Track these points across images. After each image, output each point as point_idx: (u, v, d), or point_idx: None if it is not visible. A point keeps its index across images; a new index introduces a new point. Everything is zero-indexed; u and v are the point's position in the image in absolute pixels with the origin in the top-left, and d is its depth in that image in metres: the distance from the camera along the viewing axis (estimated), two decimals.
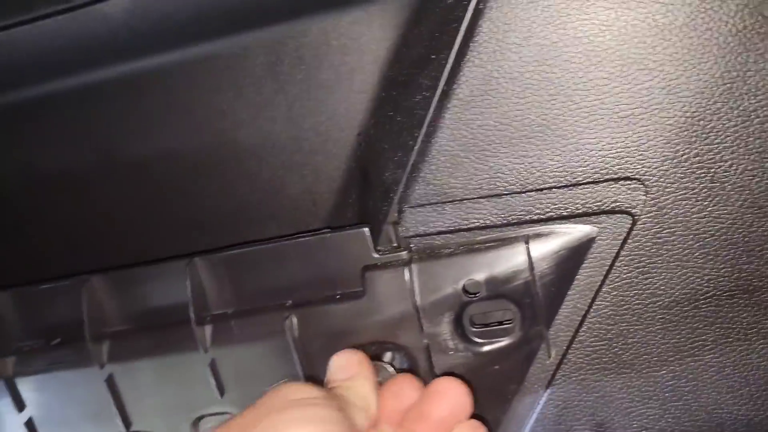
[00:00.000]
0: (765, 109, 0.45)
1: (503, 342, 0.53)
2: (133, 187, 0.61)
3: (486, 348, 0.53)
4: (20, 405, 0.62)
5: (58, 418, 0.62)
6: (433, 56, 0.50)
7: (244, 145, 0.59)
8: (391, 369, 0.55)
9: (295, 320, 0.55)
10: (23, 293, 0.61)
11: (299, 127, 0.58)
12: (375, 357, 0.56)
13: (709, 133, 0.46)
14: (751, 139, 0.46)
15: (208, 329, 0.56)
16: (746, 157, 0.46)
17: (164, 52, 0.57)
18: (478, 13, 0.48)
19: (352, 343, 0.54)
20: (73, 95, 0.59)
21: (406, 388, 0.51)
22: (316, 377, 0.55)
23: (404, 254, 0.53)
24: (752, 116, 0.45)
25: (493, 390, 0.54)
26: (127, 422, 0.60)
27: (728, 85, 0.45)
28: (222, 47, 0.57)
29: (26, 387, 0.62)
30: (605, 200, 0.49)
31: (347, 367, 0.50)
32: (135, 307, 0.59)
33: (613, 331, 0.51)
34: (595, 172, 0.49)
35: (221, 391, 0.57)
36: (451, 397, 0.49)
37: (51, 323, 0.61)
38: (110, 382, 0.59)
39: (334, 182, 0.58)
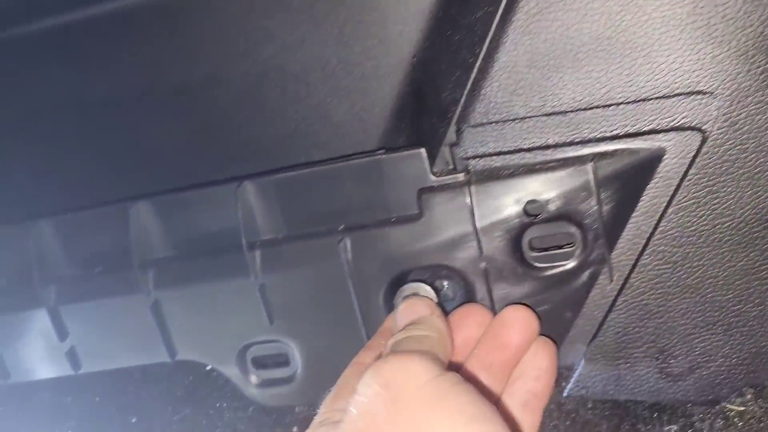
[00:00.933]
0: None
1: (563, 266, 0.52)
2: (179, 113, 0.59)
3: (545, 273, 0.52)
4: (62, 334, 0.61)
5: (101, 347, 0.61)
6: None
7: (292, 69, 0.57)
8: (430, 290, 0.54)
9: (349, 243, 0.53)
10: (67, 220, 0.60)
11: (350, 50, 0.56)
12: (429, 284, 0.55)
13: None
14: None
15: (258, 254, 0.55)
16: None
17: None
18: None
19: (408, 268, 0.53)
20: (117, 19, 0.58)
21: (473, 317, 0.50)
22: (369, 302, 0.54)
23: (462, 176, 0.52)
24: None
25: (551, 316, 0.53)
26: (172, 351, 0.59)
27: None
28: None
29: (69, 316, 0.61)
30: (675, 116, 0.48)
31: (418, 311, 0.49)
32: (182, 233, 0.58)
33: (678, 254, 0.50)
34: (665, 87, 0.47)
35: (271, 318, 0.56)
36: (524, 325, 0.49)
37: (96, 251, 0.60)
38: (156, 310, 0.58)
39: (386, 107, 0.57)
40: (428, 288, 0.53)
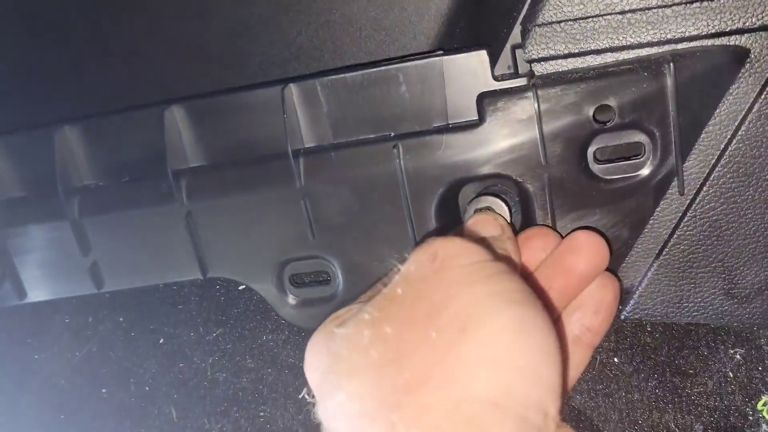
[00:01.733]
0: None
1: (632, 179, 0.49)
2: (218, 13, 0.55)
3: (611, 185, 0.49)
4: (85, 248, 0.57)
5: (126, 262, 0.57)
6: None
7: None
8: (505, 208, 0.51)
9: (402, 149, 0.50)
10: (93, 125, 0.56)
11: None
12: (483, 194, 0.52)
13: None
14: None
15: (302, 162, 0.52)
16: None
17: None
18: None
19: (465, 176, 0.50)
20: None
21: (540, 239, 0.47)
22: (421, 212, 0.51)
23: (526, 80, 0.49)
24: None
25: (615, 230, 0.50)
26: (203, 267, 0.55)
27: None
28: None
29: (92, 229, 0.57)
30: (762, 14, 0.45)
31: (489, 228, 0.46)
32: (220, 140, 0.54)
33: (755, 165, 0.47)
34: None
35: (313, 231, 0.53)
36: (594, 252, 0.46)
37: (124, 158, 0.56)
38: (189, 221, 0.54)
39: (440, 9, 0.53)
40: (504, 205, 0.49)
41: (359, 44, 0.55)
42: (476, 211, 0.49)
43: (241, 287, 0.62)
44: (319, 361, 0.38)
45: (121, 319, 0.62)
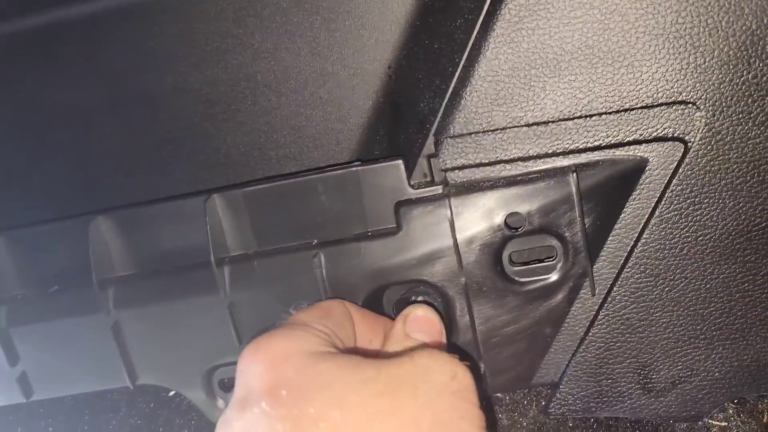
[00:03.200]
0: None
1: (545, 280, 0.51)
2: (145, 123, 0.56)
3: (526, 287, 0.51)
4: (13, 358, 0.56)
5: (56, 371, 0.57)
6: None
7: (265, 79, 0.55)
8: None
9: (323, 258, 0.51)
10: (20, 236, 0.56)
11: (324, 59, 0.54)
12: (405, 301, 0.53)
13: None
14: None
15: (227, 271, 0.53)
16: None
17: None
18: None
19: (385, 283, 0.51)
20: (79, 25, 0.55)
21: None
22: None
23: (440, 188, 0.51)
24: None
25: (532, 331, 0.51)
26: (132, 375, 0.55)
27: None
28: None
29: (21, 339, 0.56)
30: (657, 126, 0.47)
31: (430, 331, 0.47)
32: (146, 250, 0.55)
33: (661, 267, 0.49)
34: (648, 97, 0.47)
35: (240, 338, 0.53)
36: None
37: (52, 269, 0.56)
38: (116, 331, 0.54)
39: (361, 118, 0.55)
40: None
41: (284, 151, 0.57)
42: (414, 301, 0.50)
43: (171, 393, 0.62)
44: None
45: (51, 429, 0.61)
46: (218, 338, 0.54)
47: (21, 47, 0.55)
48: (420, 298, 0.53)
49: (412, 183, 0.51)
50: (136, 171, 0.57)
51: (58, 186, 0.57)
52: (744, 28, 0.45)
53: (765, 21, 0.44)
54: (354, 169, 0.51)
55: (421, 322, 0.47)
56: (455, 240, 0.50)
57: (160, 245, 0.55)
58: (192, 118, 0.57)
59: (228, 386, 0.56)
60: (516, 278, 0.51)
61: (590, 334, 0.51)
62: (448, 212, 0.50)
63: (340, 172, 0.52)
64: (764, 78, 0.45)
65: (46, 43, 0.55)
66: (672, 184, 0.48)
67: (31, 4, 0.55)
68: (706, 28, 0.45)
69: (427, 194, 0.51)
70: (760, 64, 0.45)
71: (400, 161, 0.51)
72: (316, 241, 0.52)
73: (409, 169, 0.51)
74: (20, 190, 0.58)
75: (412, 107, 0.52)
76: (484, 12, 0.48)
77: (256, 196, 0.53)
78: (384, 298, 0.54)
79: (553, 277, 0.50)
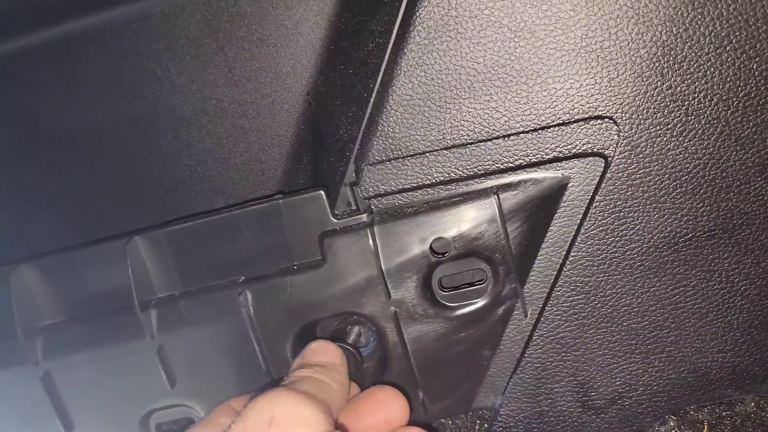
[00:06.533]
0: (738, 32, 0.43)
1: (476, 304, 0.50)
2: (60, 162, 0.55)
3: (458, 312, 0.50)
4: None
5: None
6: None
7: (183, 112, 0.54)
8: (361, 341, 0.51)
9: (249, 296, 0.50)
10: None
11: (242, 89, 0.53)
12: (339, 332, 0.52)
13: (681, 62, 0.44)
14: (725, 66, 0.44)
15: (153, 314, 0.51)
16: (721, 85, 0.44)
17: (90, 12, 0.52)
18: None
19: (315, 317, 0.50)
20: None
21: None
22: (276, 356, 0.51)
23: (364, 216, 0.49)
24: (725, 42, 0.43)
25: (467, 356, 0.50)
26: (68, 424, 0.54)
27: (699, 10, 0.43)
28: (153, 5, 0.52)
29: None
30: (576, 143, 0.46)
31: (325, 353, 0.46)
32: (70, 296, 0.53)
33: (591, 283, 0.48)
34: (564, 113, 0.46)
35: (172, 381, 0.52)
36: (389, 407, 0.46)
37: None
38: (47, 381, 0.53)
39: (284, 147, 0.54)
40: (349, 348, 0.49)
41: (209, 184, 0.55)
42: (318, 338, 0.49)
43: None
44: None
45: None
46: (150, 382, 0.52)
47: None
48: (355, 329, 0.52)
49: (335, 212, 0.50)
50: (57, 213, 0.56)
51: None
52: (654, 39, 0.44)
53: (674, 31, 0.43)
54: (275, 202, 0.50)
55: (316, 350, 0.46)
56: (381, 269, 0.49)
57: (87, 290, 0.53)
58: (113, 155, 0.55)
59: (166, 431, 0.55)
60: (447, 303, 0.50)
61: (526, 355, 0.50)
62: (372, 241, 0.49)
63: (261, 206, 0.50)
64: (678, 89, 0.44)
65: None
66: (595, 200, 0.47)
67: None
68: (617, 42, 0.44)
69: (350, 223, 0.50)
70: (673, 75, 0.44)
71: (322, 192, 0.50)
72: (243, 278, 0.51)
73: (333, 199, 0.50)
74: None
75: (333, 135, 0.51)
76: (394, 35, 0.47)
77: (179, 236, 0.51)
78: (318, 330, 0.53)
79: (485, 300, 0.49)
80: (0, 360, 0.53)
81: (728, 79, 0.44)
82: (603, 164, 0.46)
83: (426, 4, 0.45)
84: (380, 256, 0.49)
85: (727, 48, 0.43)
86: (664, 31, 0.43)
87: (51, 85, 0.54)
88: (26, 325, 0.53)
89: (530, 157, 0.47)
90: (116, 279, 0.52)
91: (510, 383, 0.51)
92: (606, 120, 0.45)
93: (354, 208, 0.50)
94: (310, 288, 0.50)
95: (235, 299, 0.50)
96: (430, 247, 0.49)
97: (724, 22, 0.43)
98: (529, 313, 0.49)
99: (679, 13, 0.43)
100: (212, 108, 0.54)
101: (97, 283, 0.53)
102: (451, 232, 0.48)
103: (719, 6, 0.43)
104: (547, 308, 0.49)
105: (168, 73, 0.53)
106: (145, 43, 0.53)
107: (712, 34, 0.43)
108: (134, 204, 0.56)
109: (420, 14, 0.45)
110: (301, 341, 0.51)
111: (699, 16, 0.43)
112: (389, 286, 0.49)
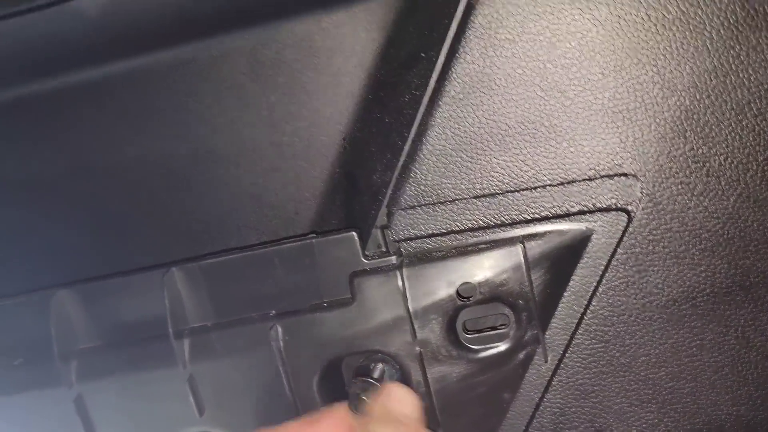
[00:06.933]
0: (758, 101, 0.45)
1: (498, 348, 0.51)
2: (105, 195, 0.58)
3: (481, 354, 0.52)
4: None
5: None
6: (423, 54, 0.49)
7: (223, 151, 0.56)
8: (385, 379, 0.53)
9: (280, 330, 0.52)
10: None
11: (281, 132, 0.56)
12: (363, 369, 0.53)
13: (704, 126, 0.46)
14: (745, 132, 0.46)
15: (186, 343, 0.53)
16: (741, 150, 0.46)
17: (140, 54, 0.55)
18: (469, 9, 0.47)
19: (342, 353, 0.52)
20: (43, 98, 0.56)
21: None
22: (303, 389, 0.53)
23: (394, 259, 0.52)
24: (746, 109, 0.46)
25: (488, 398, 0.52)
26: None
27: (722, 78, 0.45)
28: (201, 50, 0.55)
29: None
30: (600, 197, 0.48)
31: (405, 403, 0.48)
32: (107, 322, 0.56)
33: (611, 333, 0.50)
34: (590, 169, 0.48)
35: (201, 409, 0.54)
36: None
37: (13, 342, 0.57)
38: (79, 404, 0.55)
39: (318, 188, 0.56)
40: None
41: (244, 221, 0.58)
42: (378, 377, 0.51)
43: None
44: None
45: None
46: (180, 410, 0.54)
47: None
48: (379, 366, 0.53)
49: (366, 253, 0.52)
50: (98, 242, 0.58)
51: (18, 258, 0.58)
52: (678, 103, 0.46)
53: (698, 97, 0.46)
54: (309, 241, 0.52)
55: (400, 399, 0.48)
56: (408, 310, 0.51)
57: (122, 318, 0.56)
58: (153, 189, 0.58)
59: None
60: (470, 346, 0.52)
61: (545, 399, 0.52)
62: (401, 283, 0.51)
63: (295, 244, 0.53)
64: (700, 150, 0.47)
65: (10, 115, 0.57)
66: (617, 253, 0.49)
67: None
68: (642, 104, 0.46)
69: (380, 265, 0.52)
70: (696, 138, 0.46)
71: (354, 233, 0.52)
72: (273, 312, 0.53)
73: (364, 240, 0.52)
74: None
75: (366, 179, 0.53)
76: (430, 88, 0.49)
77: (214, 269, 0.54)
78: (343, 366, 0.54)
79: (507, 344, 0.51)
80: (37, 380, 0.55)
81: (748, 144, 0.46)
82: (626, 219, 0.48)
83: (462, 61, 0.48)
84: (408, 297, 0.51)
85: (748, 115, 0.46)
86: (688, 96, 0.46)
87: (97, 121, 0.57)
88: (63, 348, 0.55)
89: (556, 209, 0.49)
90: (151, 308, 0.54)
91: (529, 428, 0.52)
92: (630, 177, 0.48)
93: (384, 250, 0.52)
94: (339, 325, 0.52)
95: (266, 333, 0.52)
96: (457, 291, 0.51)
97: (746, 90, 0.45)
98: (549, 358, 0.51)
99: (703, 80, 0.45)
100: (251, 148, 0.56)
101: (133, 310, 0.55)
102: (477, 278, 0.50)
103: (741, 75, 0.45)
104: (567, 355, 0.51)
105: (210, 114, 0.56)
106: (189, 84, 0.55)
107: (734, 101, 0.45)
108: (171, 236, 0.58)
109: (456, 70, 0.48)
110: (328, 376, 0.53)
111: (721, 84, 0.45)
112: (415, 326, 0.51)
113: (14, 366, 0.57)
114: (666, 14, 0.45)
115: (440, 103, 0.49)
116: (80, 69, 0.55)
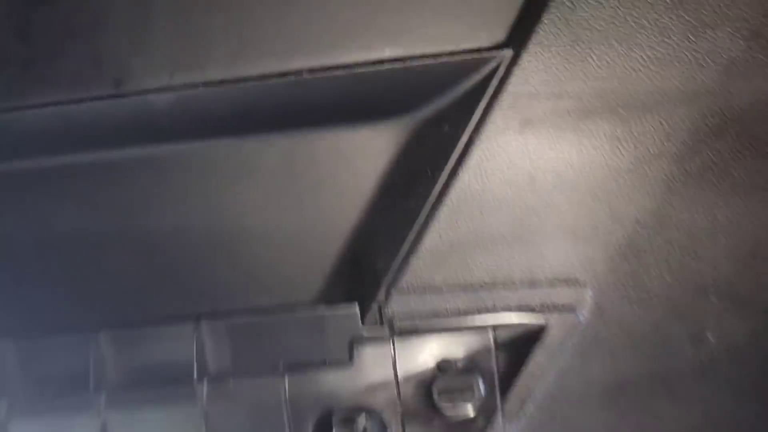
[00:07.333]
0: (684, 238, 0.59)
1: (466, 412, 0.63)
2: (145, 253, 0.68)
3: (450, 416, 0.63)
4: None
5: None
6: (429, 171, 0.62)
7: (252, 227, 0.68)
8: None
9: (287, 382, 0.63)
10: (32, 344, 0.66)
11: (304, 216, 0.67)
12: (348, 421, 0.64)
13: (642, 253, 0.60)
14: (673, 261, 0.59)
15: (206, 386, 0.63)
16: (669, 274, 0.60)
17: (193, 140, 0.67)
18: (470, 142, 0.60)
19: (335, 406, 0.63)
20: (101, 168, 0.67)
21: None
22: None
23: (388, 331, 0.63)
24: (674, 244, 0.59)
25: None
26: None
27: (658, 218, 0.59)
28: (245, 142, 0.67)
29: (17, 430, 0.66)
30: (557, 298, 0.61)
31: None
32: (140, 363, 0.65)
33: (555, 408, 0.62)
34: (551, 273, 0.61)
35: None
36: None
37: (55, 371, 0.66)
38: (103, 430, 0.64)
39: (327, 265, 0.68)
40: None
41: (262, 286, 0.69)
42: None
43: None
44: None
45: None
46: None
47: (53, 181, 0.67)
48: (362, 419, 0.64)
49: (365, 324, 0.64)
50: (137, 291, 0.69)
51: (71, 302, 0.68)
52: (623, 234, 0.60)
53: (639, 230, 0.59)
54: (319, 314, 0.64)
55: None
56: (396, 375, 0.62)
57: (152, 359, 0.66)
58: (188, 253, 0.68)
59: None
60: (443, 410, 0.63)
61: None
62: (392, 352, 0.62)
63: (308, 313, 0.64)
64: (637, 271, 0.60)
65: (71, 179, 0.67)
66: (566, 344, 0.61)
67: (64, 147, 0.67)
68: (596, 230, 0.60)
69: (376, 335, 0.63)
70: (634, 261, 0.60)
71: (356, 306, 0.64)
72: (282, 364, 0.64)
73: (364, 312, 0.64)
74: (36, 304, 0.68)
75: (370, 263, 0.65)
76: (432, 199, 0.62)
77: (237, 326, 0.64)
78: (333, 418, 0.65)
79: (473, 410, 0.63)
80: (74, 406, 0.65)
81: (675, 269, 0.60)
82: (575, 318, 0.61)
83: (461, 182, 0.60)
84: (396, 364, 0.62)
85: (676, 248, 0.59)
86: (632, 229, 0.59)
87: (147, 190, 0.68)
88: (97, 381, 0.64)
89: (521, 303, 0.62)
90: (179, 353, 0.64)
91: None
92: (581, 284, 0.61)
93: (380, 323, 0.64)
94: (337, 381, 0.63)
95: (276, 384, 0.63)
96: (437, 363, 0.62)
97: (675, 229, 0.59)
98: (506, 426, 0.63)
99: (644, 218, 0.59)
100: (276, 227, 0.68)
101: (163, 354, 0.65)
102: (454, 354, 0.62)
103: (673, 218, 0.59)
104: (521, 424, 0.62)
105: (246, 195, 0.67)
106: (232, 169, 0.67)
107: (666, 236, 0.59)
108: (200, 294, 0.69)
109: (455, 188, 0.61)
110: (321, 424, 0.63)
111: (659, 223, 0.59)
112: (400, 389, 0.62)
113: (52, 393, 0.66)
114: (620, 164, 0.59)
115: (440, 210, 0.61)
116: (141, 146, 0.66)
